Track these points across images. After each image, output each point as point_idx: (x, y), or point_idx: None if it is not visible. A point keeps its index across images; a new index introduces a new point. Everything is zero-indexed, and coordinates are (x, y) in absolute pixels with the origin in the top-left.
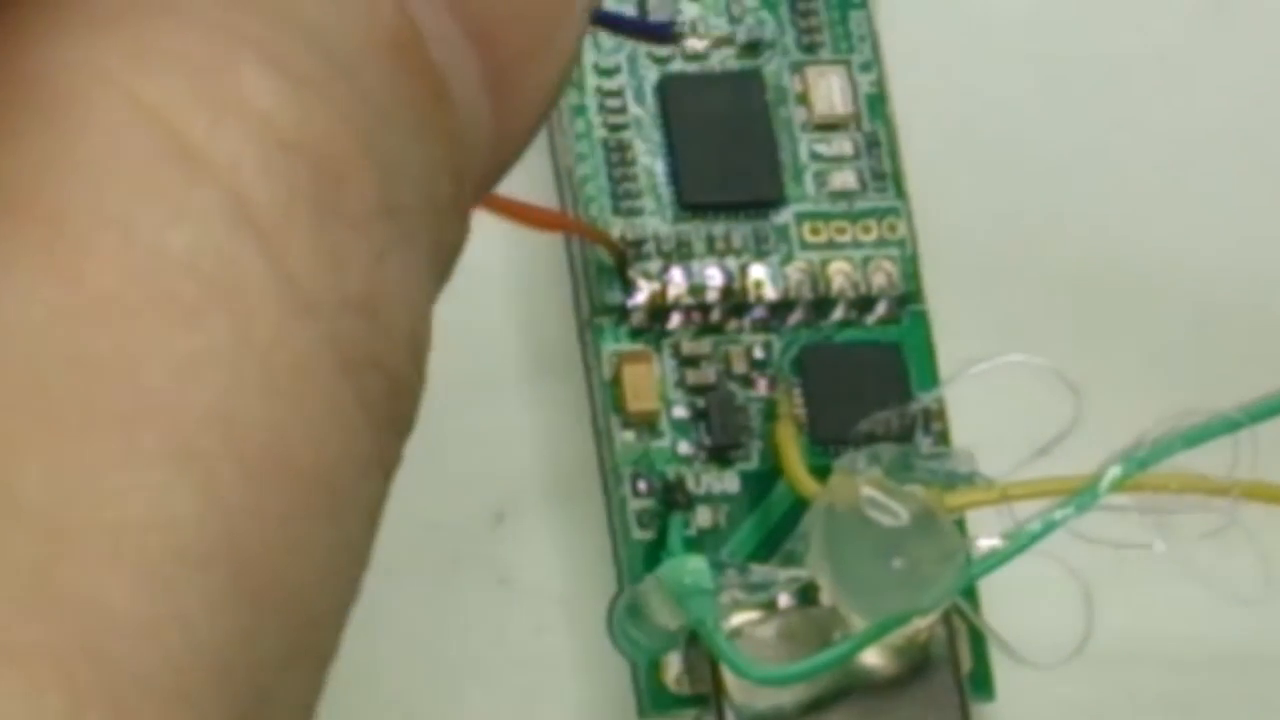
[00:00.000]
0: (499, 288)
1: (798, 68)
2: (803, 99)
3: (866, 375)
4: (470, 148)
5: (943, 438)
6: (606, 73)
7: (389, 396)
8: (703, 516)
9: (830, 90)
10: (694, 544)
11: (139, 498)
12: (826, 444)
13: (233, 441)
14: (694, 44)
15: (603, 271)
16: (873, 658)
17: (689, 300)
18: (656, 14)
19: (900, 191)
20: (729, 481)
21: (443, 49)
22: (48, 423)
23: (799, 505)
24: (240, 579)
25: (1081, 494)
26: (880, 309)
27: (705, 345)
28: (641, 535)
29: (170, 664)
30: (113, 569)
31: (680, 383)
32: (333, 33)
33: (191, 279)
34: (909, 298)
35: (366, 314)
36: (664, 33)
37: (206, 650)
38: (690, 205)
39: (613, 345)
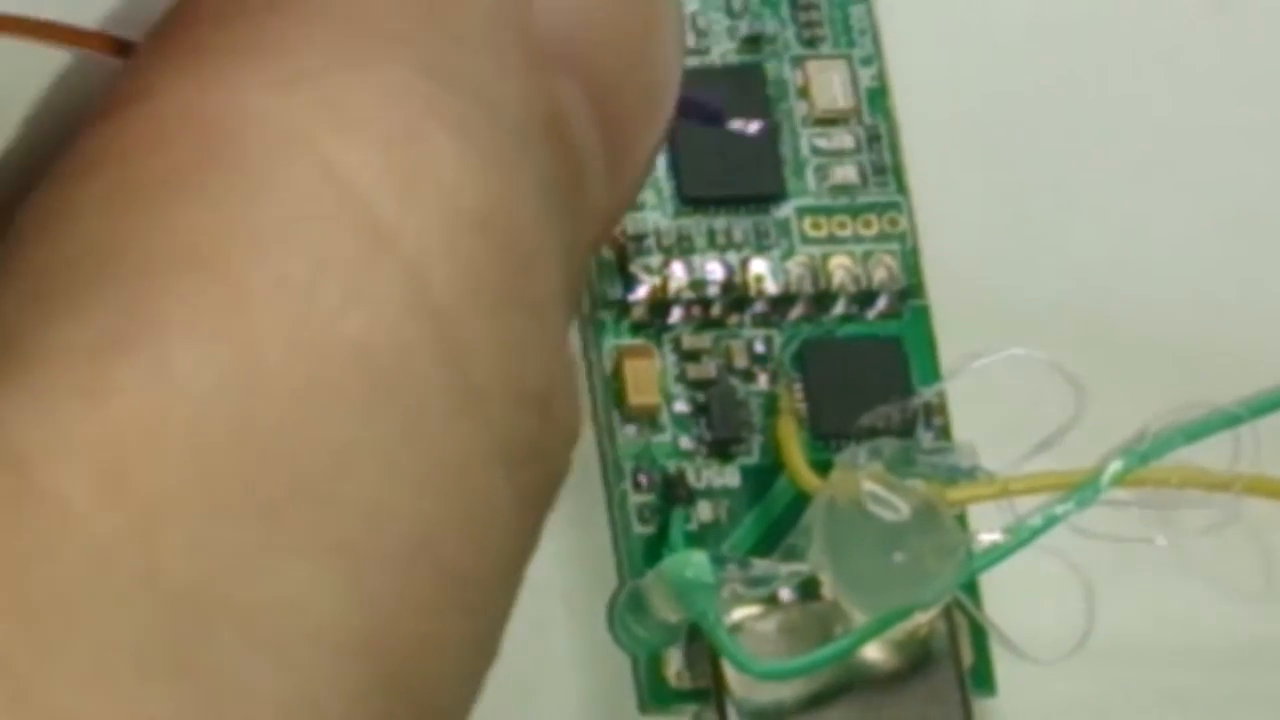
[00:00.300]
0: None
1: (798, 62)
2: (803, 93)
3: (867, 370)
4: (593, 225)
5: (944, 432)
6: None
7: (545, 489)
8: (704, 511)
9: (831, 84)
10: (695, 538)
11: (282, 582)
12: (828, 438)
13: (383, 534)
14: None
15: (603, 266)
16: (874, 652)
17: (690, 295)
18: None
19: (901, 186)
20: (730, 476)
21: (580, 129)
22: (198, 495)
23: (800, 500)
24: (377, 669)
25: (1083, 489)
26: (881, 303)
27: (706, 340)
28: (642, 530)
29: None
30: (251, 649)
31: (681, 377)
32: (509, 105)
33: (362, 366)
34: (910, 292)
35: (540, 408)
36: (715, 117)
37: None
38: (691, 199)
39: (613, 340)
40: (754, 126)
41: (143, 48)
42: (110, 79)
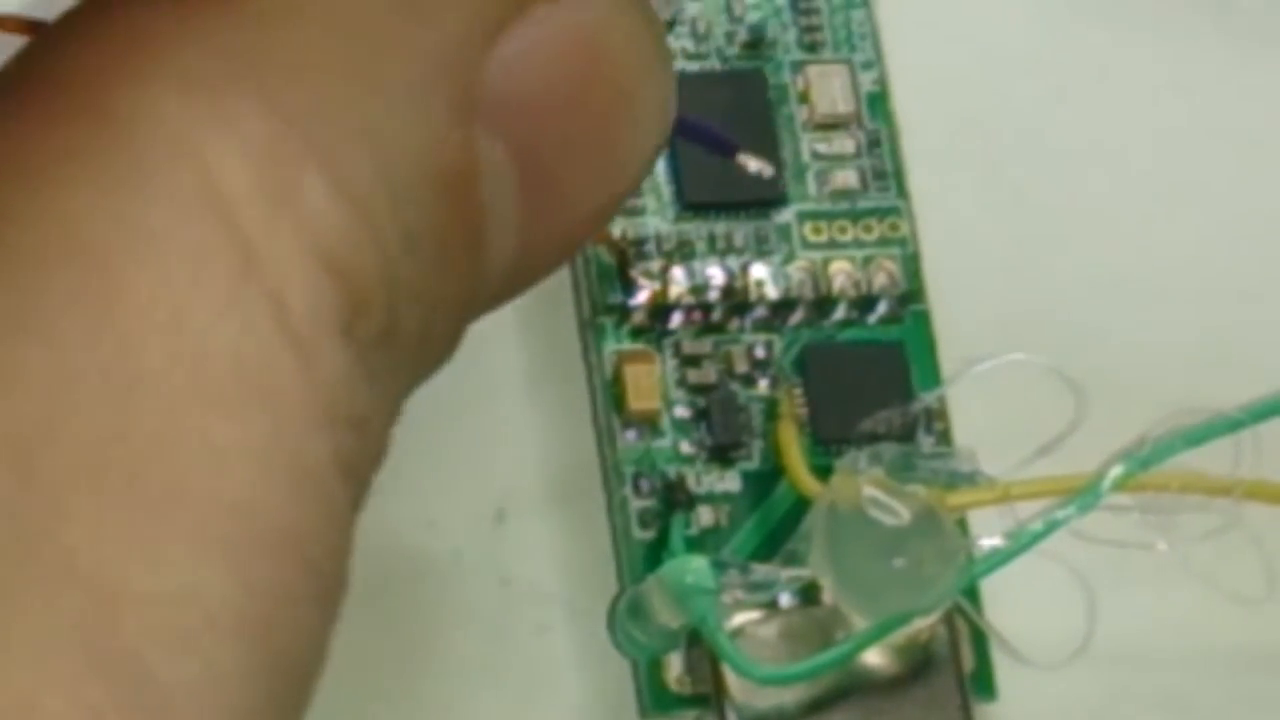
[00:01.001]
0: None
1: (799, 66)
2: (804, 98)
3: (868, 375)
4: (485, 282)
5: (944, 437)
6: None
7: (359, 504)
8: (704, 516)
9: (832, 89)
10: (695, 543)
11: (176, 572)
12: (828, 443)
13: (259, 530)
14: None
15: (604, 271)
16: (874, 657)
17: (690, 300)
18: (658, 12)
19: (902, 190)
20: (730, 481)
21: (493, 186)
22: (95, 490)
23: (800, 505)
24: (265, 652)
25: (1083, 494)
26: (882, 308)
27: (706, 345)
28: (643, 535)
29: None
30: (156, 636)
31: (681, 382)
32: (400, 156)
33: (233, 373)
34: (910, 297)
35: (360, 433)
36: (727, 148)
37: (238, 715)
38: (691, 204)
39: (614, 345)
40: (766, 170)
41: (63, 19)
42: (19, 52)
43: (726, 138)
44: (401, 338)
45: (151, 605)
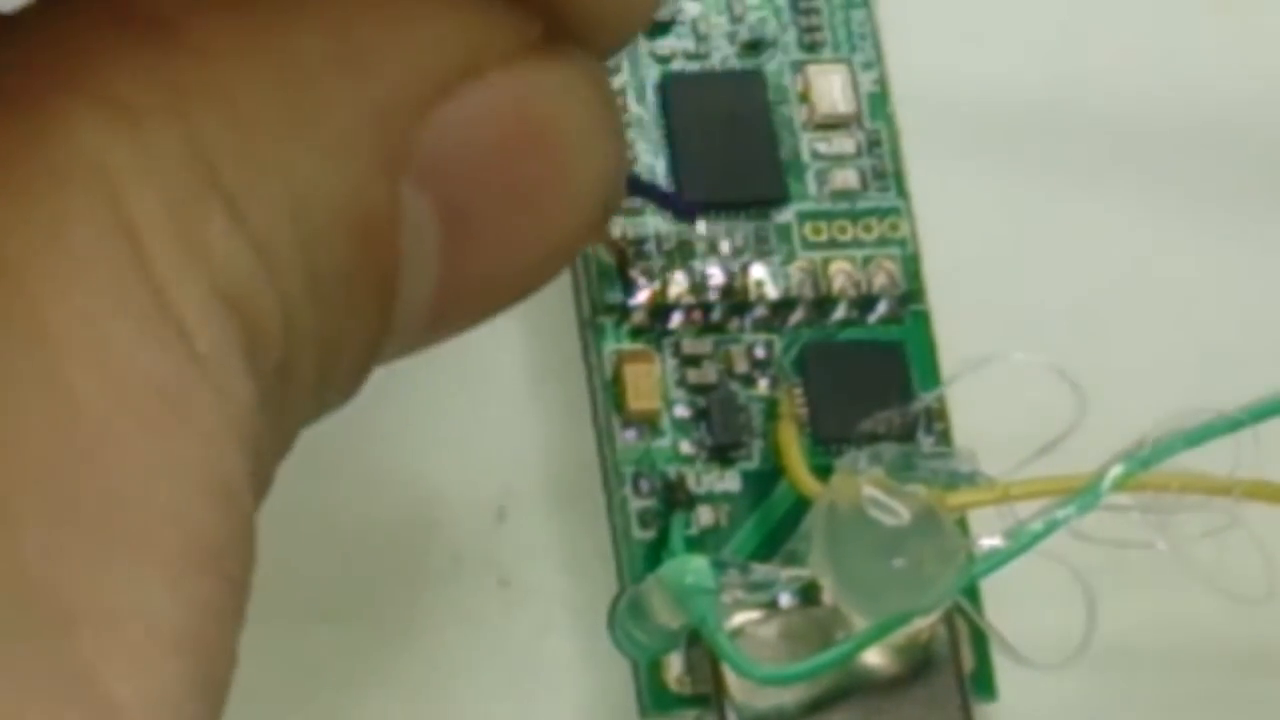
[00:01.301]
0: None
1: (799, 66)
2: (804, 98)
3: (868, 374)
4: (395, 331)
5: (944, 437)
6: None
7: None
8: (704, 516)
9: (832, 89)
10: (695, 543)
11: (121, 587)
12: (828, 443)
13: (189, 544)
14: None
15: (603, 271)
16: (874, 657)
17: (690, 299)
18: (658, 13)
19: (902, 190)
20: (730, 481)
21: (413, 237)
22: (42, 507)
23: (800, 505)
24: (201, 667)
25: (1083, 493)
26: (882, 308)
27: (706, 344)
28: (643, 535)
29: None
30: (109, 653)
31: (681, 382)
32: (316, 201)
33: (156, 396)
34: (910, 297)
35: (259, 458)
36: (688, 211)
37: None
38: (692, 204)
39: (614, 345)
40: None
41: (13, 16)
42: None
43: (684, 204)
44: (298, 374)
45: (104, 623)
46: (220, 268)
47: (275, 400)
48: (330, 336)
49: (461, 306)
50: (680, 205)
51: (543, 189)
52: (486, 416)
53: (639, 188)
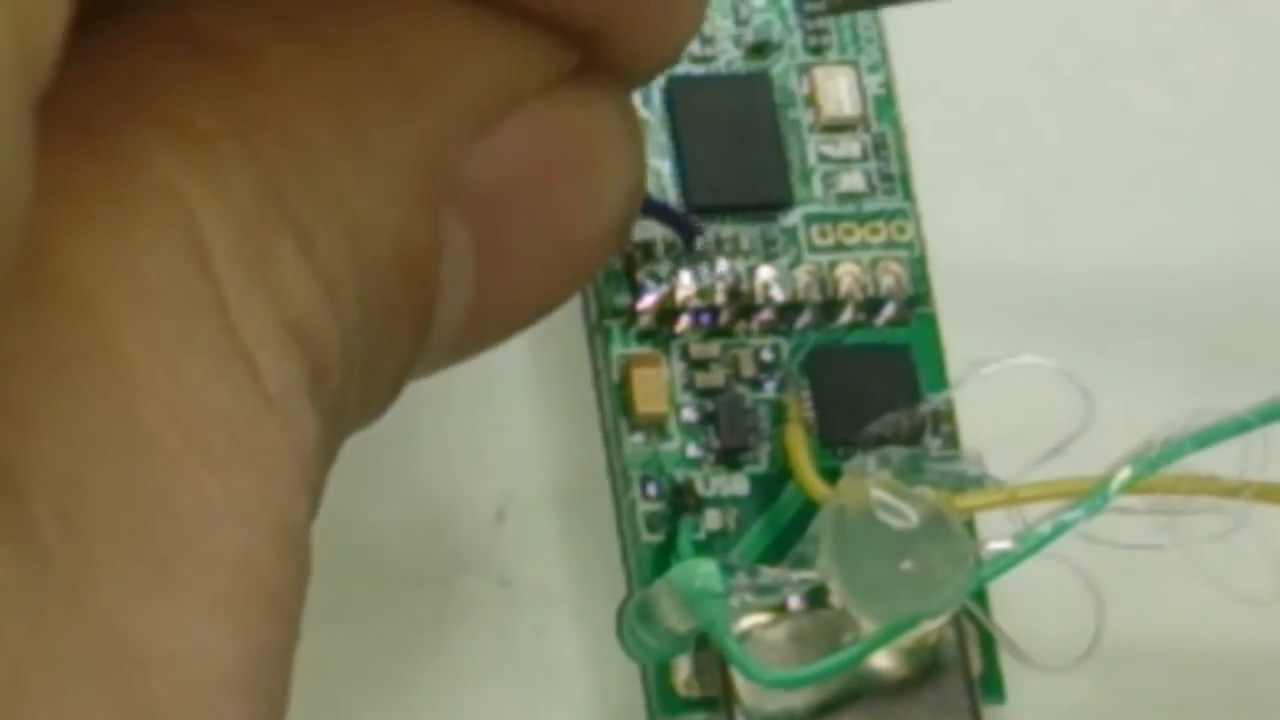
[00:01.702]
0: None
1: (805, 69)
2: (810, 101)
3: (875, 377)
4: (425, 355)
5: (952, 440)
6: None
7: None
8: (712, 519)
9: (838, 92)
10: (703, 547)
11: (188, 632)
12: (836, 446)
13: (253, 590)
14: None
15: (610, 274)
16: (883, 660)
17: (697, 303)
18: None
19: (908, 193)
20: (738, 484)
21: (451, 266)
22: (117, 546)
23: (808, 508)
24: (264, 711)
25: (1092, 496)
26: (889, 311)
27: (714, 348)
28: (651, 538)
29: None
30: (180, 702)
31: (689, 385)
32: (371, 233)
33: (225, 433)
34: (917, 300)
35: (318, 493)
36: (691, 230)
37: None
38: (698, 207)
39: (621, 348)
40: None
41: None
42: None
43: (690, 224)
44: (348, 404)
45: (174, 667)
46: (289, 300)
47: (331, 434)
48: (372, 366)
49: (490, 327)
50: (687, 225)
51: (574, 215)
52: (490, 418)
53: (647, 207)
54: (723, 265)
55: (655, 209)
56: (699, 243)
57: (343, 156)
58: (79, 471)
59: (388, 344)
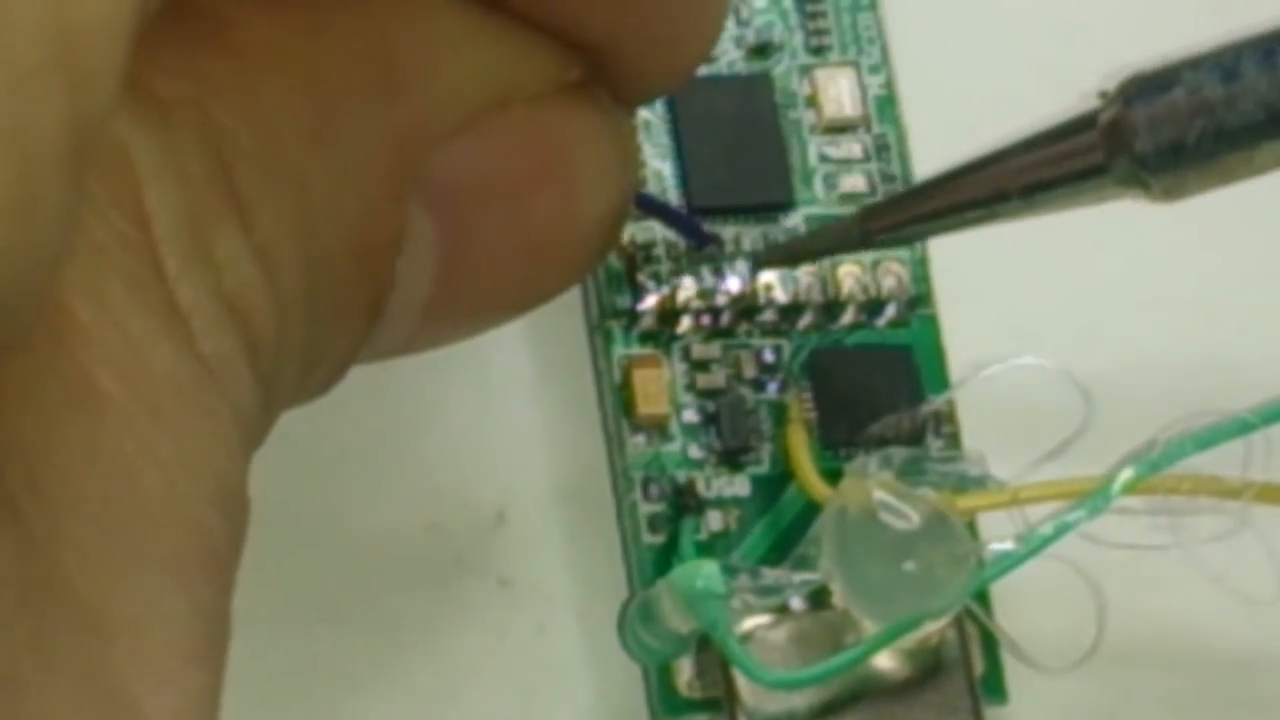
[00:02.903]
0: None
1: (806, 70)
2: (812, 102)
3: (877, 378)
4: (375, 345)
5: (954, 441)
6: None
7: None
8: (714, 520)
9: (839, 93)
10: (705, 548)
11: (148, 596)
12: (837, 447)
13: (200, 551)
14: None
15: (612, 275)
16: (885, 661)
17: (699, 304)
18: None
19: None
20: (740, 485)
21: (410, 261)
22: (79, 511)
23: (810, 509)
24: (214, 674)
25: (1094, 497)
26: (890, 312)
27: (715, 349)
28: (652, 540)
29: None
30: (137, 664)
31: (690, 387)
32: (323, 219)
33: (174, 395)
34: (919, 301)
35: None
36: (703, 239)
37: None
38: (700, 208)
39: (622, 349)
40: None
41: None
42: None
43: (699, 230)
44: (281, 382)
45: (133, 633)
46: (224, 272)
47: (266, 404)
48: (314, 347)
49: (446, 326)
50: (695, 231)
51: (546, 225)
52: (491, 418)
53: (654, 208)
54: (732, 277)
55: (662, 212)
56: (711, 249)
57: (306, 140)
58: (45, 438)
59: (334, 328)
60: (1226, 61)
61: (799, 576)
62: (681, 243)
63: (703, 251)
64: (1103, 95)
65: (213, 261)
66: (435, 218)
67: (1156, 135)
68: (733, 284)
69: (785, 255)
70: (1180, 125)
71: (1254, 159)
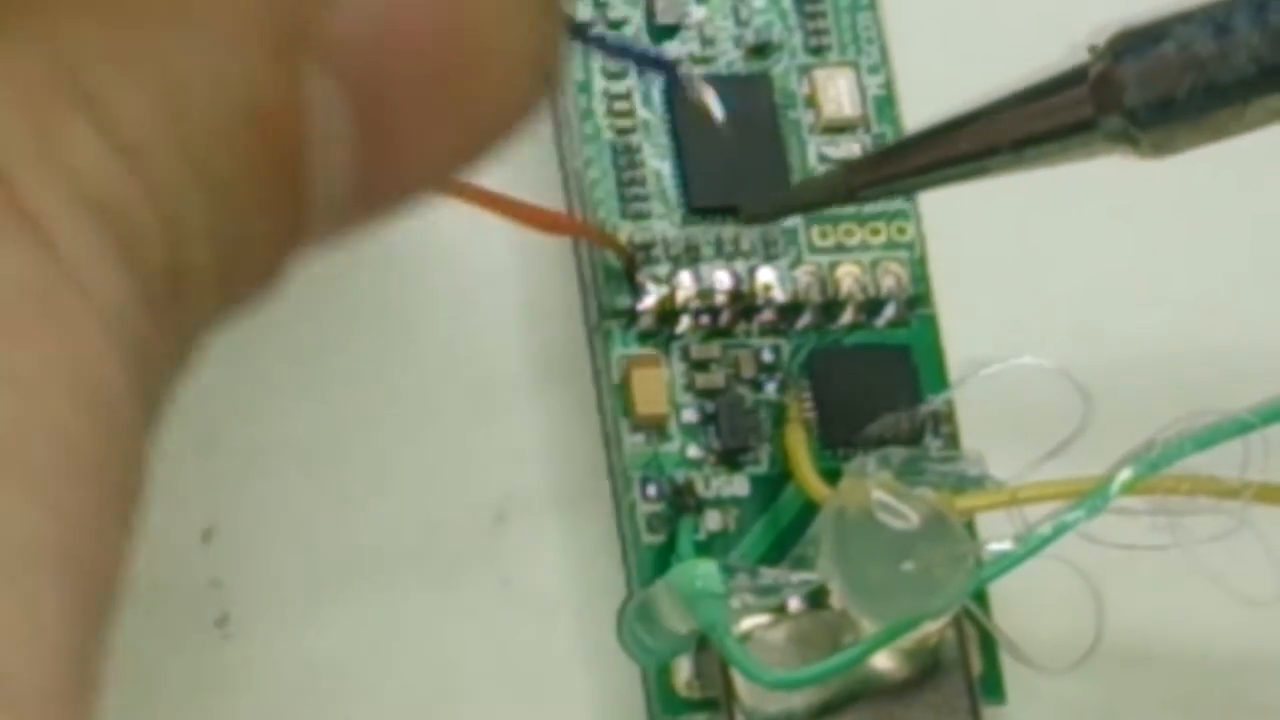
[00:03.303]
0: (507, 291)
1: (805, 70)
2: (811, 101)
3: (876, 378)
4: (311, 220)
5: (952, 440)
6: (614, 75)
7: (152, 430)
8: (712, 520)
9: (838, 92)
10: (704, 548)
11: None
12: (836, 447)
13: (59, 455)
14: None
15: (611, 275)
16: (883, 661)
17: (698, 304)
18: (664, 17)
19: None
20: (739, 485)
21: (322, 120)
22: None
23: (809, 509)
24: (78, 583)
25: (1092, 496)
26: (889, 312)
27: (714, 349)
28: (651, 539)
29: (34, 669)
30: None
31: (689, 386)
32: (195, 94)
33: (23, 301)
34: (918, 300)
35: (149, 359)
36: (664, 65)
37: (61, 652)
38: (698, 208)
39: (621, 349)
40: (716, 112)
41: None
42: None
43: (659, 57)
44: (193, 273)
45: None
46: (81, 174)
47: (164, 301)
48: (231, 232)
49: (380, 192)
50: (649, 59)
51: (465, 70)
52: (490, 418)
53: (596, 41)
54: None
55: (611, 49)
56: (689, 91)
57: (160, 19)
58: None
59: (251, 211)
60: (1218, 15)
61: (797, 576)
62: (681, 243)
63: (661, 73)
64: (1093, 49)
65: (68, 164)
66: (338, 77)
67: (1146, 90)
68: (723, 281)
69: (774, 209)
70: (1170, 80)
71: (1245, 114)
